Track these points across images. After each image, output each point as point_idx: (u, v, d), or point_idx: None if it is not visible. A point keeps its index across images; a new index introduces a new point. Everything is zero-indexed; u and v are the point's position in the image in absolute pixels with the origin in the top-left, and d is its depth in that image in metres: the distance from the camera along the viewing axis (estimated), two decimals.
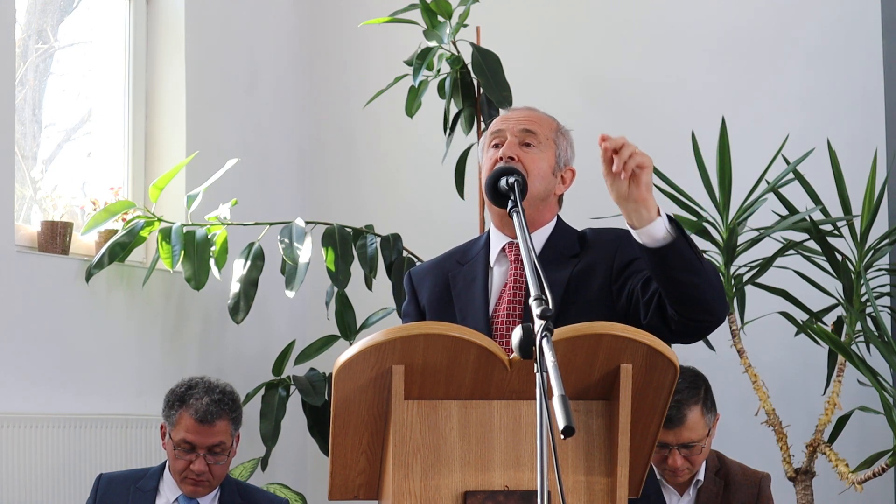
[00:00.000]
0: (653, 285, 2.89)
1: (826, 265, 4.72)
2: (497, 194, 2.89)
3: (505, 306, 3.05)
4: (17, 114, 4.75)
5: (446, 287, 3.13)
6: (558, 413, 2.21)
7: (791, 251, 4.78)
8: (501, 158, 3.05)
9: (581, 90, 5.71)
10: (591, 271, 3.05)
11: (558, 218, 3.17)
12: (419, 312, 3.18)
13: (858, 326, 4.64)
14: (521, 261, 3.04)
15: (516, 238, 3.05)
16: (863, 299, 4.65)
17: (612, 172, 2.73)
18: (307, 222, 5.06)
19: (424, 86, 5.04)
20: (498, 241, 3.14)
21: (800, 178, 4.73)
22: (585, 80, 5.68)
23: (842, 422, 4.72)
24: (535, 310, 2.38)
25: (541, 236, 3.12)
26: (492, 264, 3.12)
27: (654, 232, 2.77)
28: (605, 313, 2.95)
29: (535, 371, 2.33)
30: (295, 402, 5.25)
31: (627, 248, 2.97)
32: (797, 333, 4.81)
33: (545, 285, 2.44)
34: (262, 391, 5.20)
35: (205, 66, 5.52)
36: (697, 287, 2.81)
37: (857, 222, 4.74)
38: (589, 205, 5.42)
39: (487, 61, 5.02)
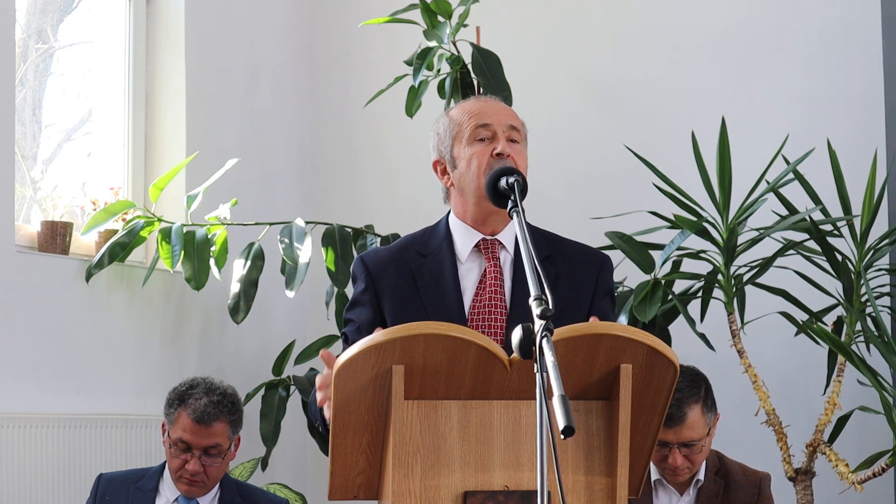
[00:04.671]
0: None
1: (826, 265, 4.72)
2: (497, 194, 2.87)
3: (483, 303, 3.01)
4: (17, 114, 4.75)
5: (411, 279, 3.06)
6: (558, 413, 2.21)
7: (791, 251, 4.78)
8: (503, 155, 3.01)
9: (581, 90, 5.70)
10: (571, 283, 3.04)
11: None
12: (375, 303, 3.06)
13: (858, 326, 4.64)
14: (499, 258, 3.04)
15: (492, 235, 3.06)
16: (863, 299, 4.65)
17: None
18: (307, 222, 5.06)
19: (424, 86, 5.03)
20: (468, 235, 3.08)
21: (800, 178, 4.73)
22: (586, 80, 5.67)
23: (842, 422, 4.72)
24: (535, 310, 2.38)
25: (509, 234, 3.08)
26: (462, 259, 3.06)
27: None
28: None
29: (535, 371, 2.33)
30: (295, 402, 5.25)
31: (607, 276, 3.10)
32: (797, 333, 4.80)
33: (545, 286, 2.44)
34: (262, 391, 5.21)
35: (205, 66, 5.51)
36: None
37: (857, 222, 4.73)
38: (589, 205, 5.44)
39: (487, 61, 5.01)
